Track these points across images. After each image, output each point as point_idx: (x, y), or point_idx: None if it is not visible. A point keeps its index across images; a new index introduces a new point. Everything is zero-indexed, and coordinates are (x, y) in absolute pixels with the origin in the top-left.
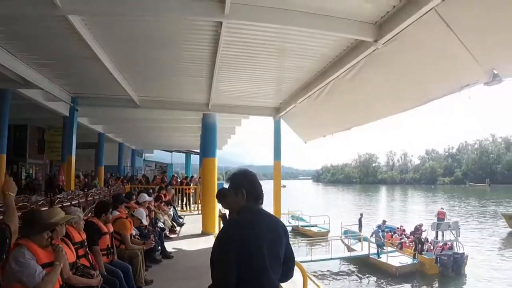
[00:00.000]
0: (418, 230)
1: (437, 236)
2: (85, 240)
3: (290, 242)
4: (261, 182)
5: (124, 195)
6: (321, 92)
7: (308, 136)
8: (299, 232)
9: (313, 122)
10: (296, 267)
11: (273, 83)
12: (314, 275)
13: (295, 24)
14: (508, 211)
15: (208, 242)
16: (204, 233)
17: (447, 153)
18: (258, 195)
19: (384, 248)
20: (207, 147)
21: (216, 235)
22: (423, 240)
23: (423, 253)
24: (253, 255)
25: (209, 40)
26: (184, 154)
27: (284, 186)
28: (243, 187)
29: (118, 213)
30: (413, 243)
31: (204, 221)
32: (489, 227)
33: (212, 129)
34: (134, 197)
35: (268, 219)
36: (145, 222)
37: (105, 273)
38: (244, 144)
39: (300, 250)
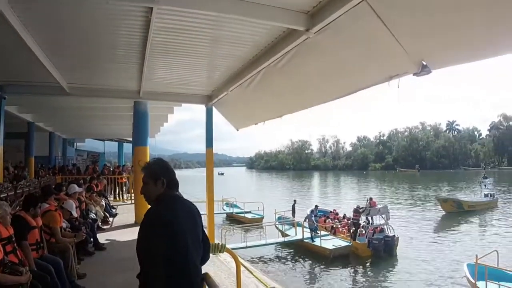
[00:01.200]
0: (357, 211)
1: (368, 220)
2: (13, 235)
3: (225, 229)
4: (196, 169)
5: (53, 186)
6: (252, 80)
7: (240, 123)
8: (233, 219)
9: (245, 110)
10: (228, 254)
11: (205, 71)
12: (250, 261)
13: (227, 11)
14: (441, 195)
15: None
16: (137, 223)
17: (378, 140)
18: (176, 183)
19: (318, 232)
20: (139, 135)
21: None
22: (360, 223)
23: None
24: (179, 238)
25: (140, 26)
26: (116, 143)
27: (222, 174)
28: (162, 176)
29: (47, 205)
30: (351, 225)
31: (137, 210)
32: (421, 211)
33: (143, 117)
34: (64, 188)
35: (185, 204)
36: (75, 214)
37: (35, 269)
38: (178, 132)
39: (235, 236)
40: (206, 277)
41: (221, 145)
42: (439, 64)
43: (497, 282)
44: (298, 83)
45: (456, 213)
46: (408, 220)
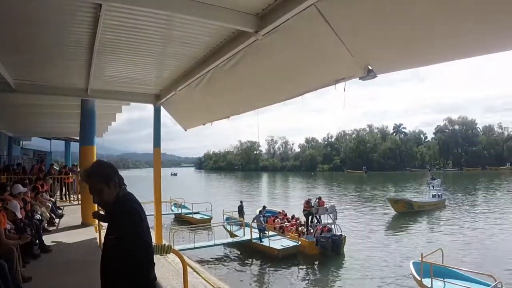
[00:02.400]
0: (308, 203)
1: (316, 220)
2: None
3: (173, 230)
4: (145, 170)
5: None
6: (201, 81)
7: (188, 123)
8: (182, 219)
9: (193, 110)
10: (175, 256)
11: (154, 70)
12: (198, 262)
13: (176, 10)
14: (392, 196)
15: (88, 233)
16: (84, 224)
17: (326, 142)
18: (123, 181)
19: (266, 232)
20: (86, 134)
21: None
22: (312, 213)
23: (304, 236)
24: (147, 232)
25: (89, 22)
26: (63, 142)
27: (176, 174)
28: (115, 177)
29: None
30: (304, 215)
31: (84, 211)
32: (371, 211)
33: (90, 116)
34: (9, 188)
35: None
36: (20, 215)
37: None
38: (127, 132)
39: (183, 238)
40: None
41: (170, 145)
42: (384, 69)
43: (442, 279)
44: (246, 84)
45: (407, 213)
46: (358, 220)
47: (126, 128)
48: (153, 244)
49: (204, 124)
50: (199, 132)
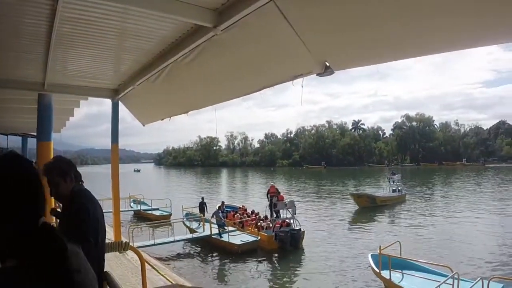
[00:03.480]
0: (273, 193)
1: (274, 214)
2: None
3: (133, 227)
4: (104, 166)
5: None
6: (159, 75)
7: (146, 118)
8: (141, 216)
9: (151, 105)
10: (133, 253)
11: (112, 64)
12: (158, 259)
13: (133, 3)
14: (355, 191)
15: None
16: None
17: (285, 138)
18: (80, 177)
19: (226, 228)
20: (43, 129)
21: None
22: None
23: (263, 230)
24: (101, 229)
25: (45, 14)
26: (20, 138)
27: (139, 171)
28: (71, 172)
29: None
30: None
31: None
32: (332, 206)
33: (48, 111)
34: None
35: (94, 197)
36: None
37: None
38: (86, 127)
39: (143, 234)
40: (107, 276)
41: (129, 140)
42: (341, 66)
43: (400, 271)
44: (204, 79)
45: (369, 208)
46: (319, 215)
47: (85, 123)
48: (109, 241)
49: (162, 119)
50: (159, 127)
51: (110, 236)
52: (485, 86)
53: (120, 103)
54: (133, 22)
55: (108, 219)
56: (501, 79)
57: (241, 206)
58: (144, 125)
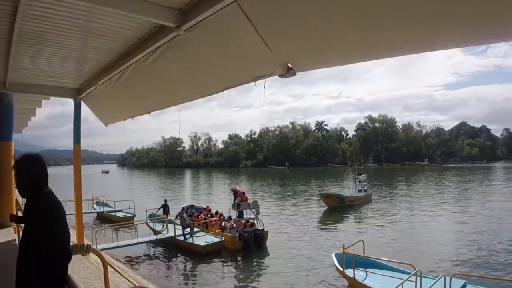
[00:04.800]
0: (236, 191)
1: (239, 215)
2: None
3: (96, 229)
4: (66, 167)
5: None
6: (122, 75)
7: (108, 119)
8: (104, 218)
9: (113, 105)
10: (95, 255)
11: (74, 63)
12: (122, 261)
13: (96, 2)
14: (323, 191)
15: (6, 235)
16: (1, 225)
17: (249, 138)
18: (47, 178)
19: (192, 229)
20: (3, 130)
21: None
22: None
23: (227, 231)
24: (66, 232)
25: (7, 11)
26: None
27: (107, 172)
28: (40, 172)
29: None
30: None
31: (2, 212)
32: (297, 206)
33: (8, 110)
34: None
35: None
36: None
37: None
38: (48, 127)
39: (106, 236)
40: (68, 279)
41: (92, 141)
42: (303, 67)
43: (364, 269)
44: (167, 79)
45: (338, 208)
46: (286, 215)
47: (47, 124)
48: (72, 243)
49: (125, 120)
50: (122, 128)
51: (73, 239)
52: (446, 88)
53: (82, 103)
54: (97, 20)
55: (71, 221)
56: (462, 82)
57: (205, 207)
58: (106, 126)
